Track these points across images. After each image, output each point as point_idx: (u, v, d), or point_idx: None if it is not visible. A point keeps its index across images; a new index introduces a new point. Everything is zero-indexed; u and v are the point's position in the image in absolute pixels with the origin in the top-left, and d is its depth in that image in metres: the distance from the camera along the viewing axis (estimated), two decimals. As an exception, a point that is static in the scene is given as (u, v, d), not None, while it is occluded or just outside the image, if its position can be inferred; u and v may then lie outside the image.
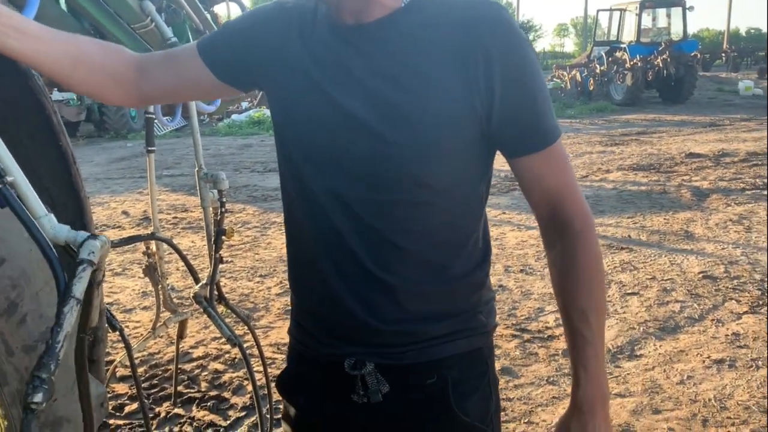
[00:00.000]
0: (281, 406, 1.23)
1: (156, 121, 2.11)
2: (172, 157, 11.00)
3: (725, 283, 4.28)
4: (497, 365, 3.26)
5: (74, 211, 1.38)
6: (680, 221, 5.89)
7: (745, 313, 3.80)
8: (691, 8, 18.28)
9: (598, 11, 21.03)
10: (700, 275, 4.45)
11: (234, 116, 16.49)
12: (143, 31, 1.76)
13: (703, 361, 3.23)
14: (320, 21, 1.04)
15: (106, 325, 1.61)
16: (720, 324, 3.67)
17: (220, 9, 2.38)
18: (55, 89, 2.25)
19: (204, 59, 1.11)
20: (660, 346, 3.43)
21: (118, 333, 1.66)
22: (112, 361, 2.77)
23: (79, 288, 0.91)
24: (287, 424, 1.18)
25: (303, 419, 1.15)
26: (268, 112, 16.74)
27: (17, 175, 0.95)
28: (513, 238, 5.53)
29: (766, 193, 6.86)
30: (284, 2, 1.10)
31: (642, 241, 5.33)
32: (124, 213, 6.98)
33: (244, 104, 17.67)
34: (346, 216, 1.01)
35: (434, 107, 0.95)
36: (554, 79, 20.03)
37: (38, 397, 0.86)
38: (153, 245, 2.21)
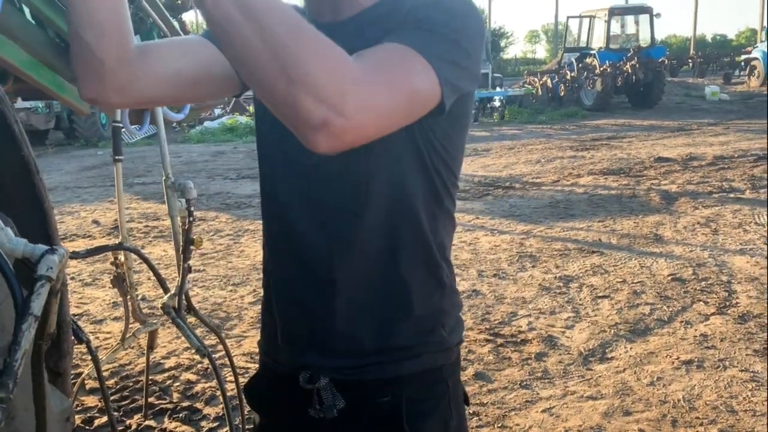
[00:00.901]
0: (254, 416, 1.23)
1: (123, 129, 2.09)
2: (143, 165, 10.86)
3: (693, 285, 4.36)
4: (471, 370, 3.29)
5: (37, 222, 1.35)
6: (649, 224, 5.99)
7: (713, 314, 3.87)
8: (659, 15, 18.66)
9: (568, 18, 21.37)
10: (669, 278, 4.52)
11: (206, 123, 16.35)
12: (109, 39, 1.75)
13: (673, 363, 3.29)
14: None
15: (72, 337, 1.58)
16: (688, 325, 3.73)
17: (187, 16, 2.37)
18: (19, 98, 2.21)
19: (215, 43, 0.99)
20: (630, 348, 3.47)
21: (85, 345, 1.64)
22: (81, 374, 2.72)
23: (37, 305, 0.90)
24: None
25: (265, 430, 1.16)
26: (241, 119, 16.66)
27: (-29, 187, 0.93)
28: (486, 242, 5.57)
29: (732, 196, 7.00)
30: None
31: (612, 245, 5.40)
32: (95, 222, 6.88)
33: (217, 111, 17.56)
34: (292, 219, 1.03)
35: None
36: (526, 86, 20.24)
37: (-4, 417, 0.84)
38: (121, 255, 2.19)
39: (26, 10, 1.74)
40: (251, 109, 14.27)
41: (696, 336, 3.58)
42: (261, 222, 1.14)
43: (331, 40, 0.74)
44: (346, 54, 0.75)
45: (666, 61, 19.28)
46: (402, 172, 0.98)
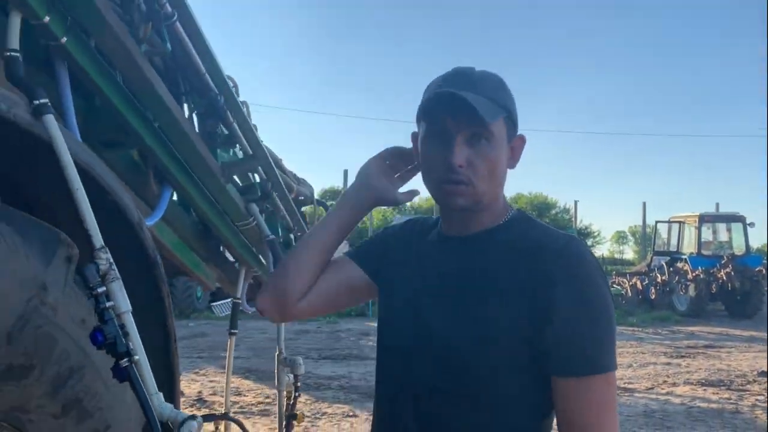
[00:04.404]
0: None
1: (241, 306, 2.27)
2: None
3: None
4: None
5: (168, 385, 1.48)
6: (757, 445, 5.48)
7: None
8: (752, 224, 18.36)
9: (656, 222, 21.32)
10: None
11: (294, 303, 16.82)
12: (245, 228, 1.98)
13: None
14: (435, 233, 1.24)
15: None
16: None
17: (307, 209, 2.65)
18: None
19: (355, 261, 1.30)
20: None
21: None
22: None
23: None
24: None
25: None
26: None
27: (141, 354, 1.08)
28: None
29: None
30: (414, 220, 1.33)
31: (716, 465, 4.95)
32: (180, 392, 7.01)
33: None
34: (404, 408, 1.15)
35: (498, 320, 1.06)
36: (614, 286, 19.90)
37: None
38: (222, 425, 2.26)
39: (174, 195, 2.01)
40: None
41: None
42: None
43: None
44: None
45: (764, 271, 18.60)
46: (507, 398, 1.11)
